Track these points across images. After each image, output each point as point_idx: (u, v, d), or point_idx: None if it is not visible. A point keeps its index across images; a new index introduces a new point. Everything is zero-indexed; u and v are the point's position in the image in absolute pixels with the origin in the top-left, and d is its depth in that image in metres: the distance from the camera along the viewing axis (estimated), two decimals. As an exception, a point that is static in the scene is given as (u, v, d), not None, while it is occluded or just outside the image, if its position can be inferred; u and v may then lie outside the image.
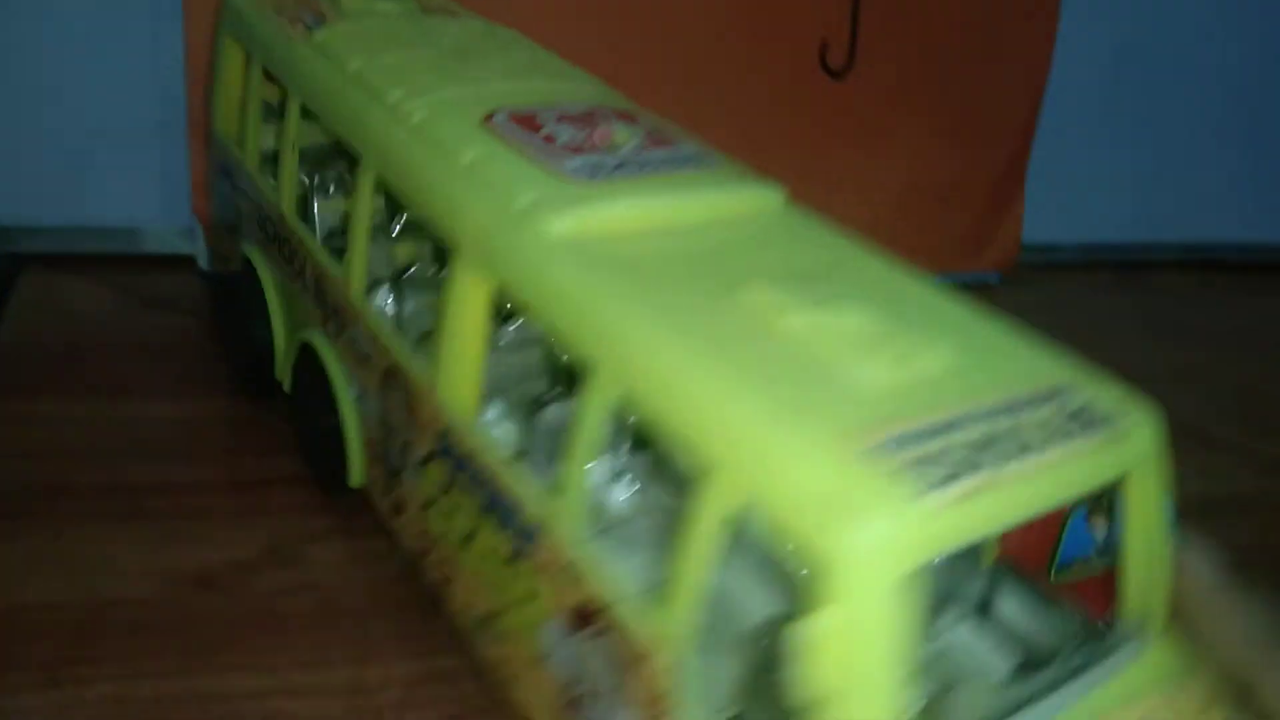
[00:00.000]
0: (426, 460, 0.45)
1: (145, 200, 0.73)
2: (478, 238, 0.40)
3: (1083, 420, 0.32)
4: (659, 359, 0.33)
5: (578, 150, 0.43)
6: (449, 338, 0.42)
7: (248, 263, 0.60)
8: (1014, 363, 0.34)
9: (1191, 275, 1.05)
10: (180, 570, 0.50)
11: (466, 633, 0.44)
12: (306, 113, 0.52)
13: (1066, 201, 0.92)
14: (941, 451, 0.29)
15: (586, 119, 0.46)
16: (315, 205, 0.55)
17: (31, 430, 0.57)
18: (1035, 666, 0.37)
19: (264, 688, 0.44)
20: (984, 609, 0.41)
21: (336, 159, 0.59)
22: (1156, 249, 1.02)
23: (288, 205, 0.55)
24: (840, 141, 0.76)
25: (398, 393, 0.46)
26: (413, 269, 0.53)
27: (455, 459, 0.42)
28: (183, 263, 0.74)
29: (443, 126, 0.44)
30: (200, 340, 0.66)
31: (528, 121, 0.45)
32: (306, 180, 0.56)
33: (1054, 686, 0.33)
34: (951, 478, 0.28)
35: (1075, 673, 0.34)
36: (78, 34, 0.67)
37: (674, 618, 0.32)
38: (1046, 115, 0.88)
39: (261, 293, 0.58)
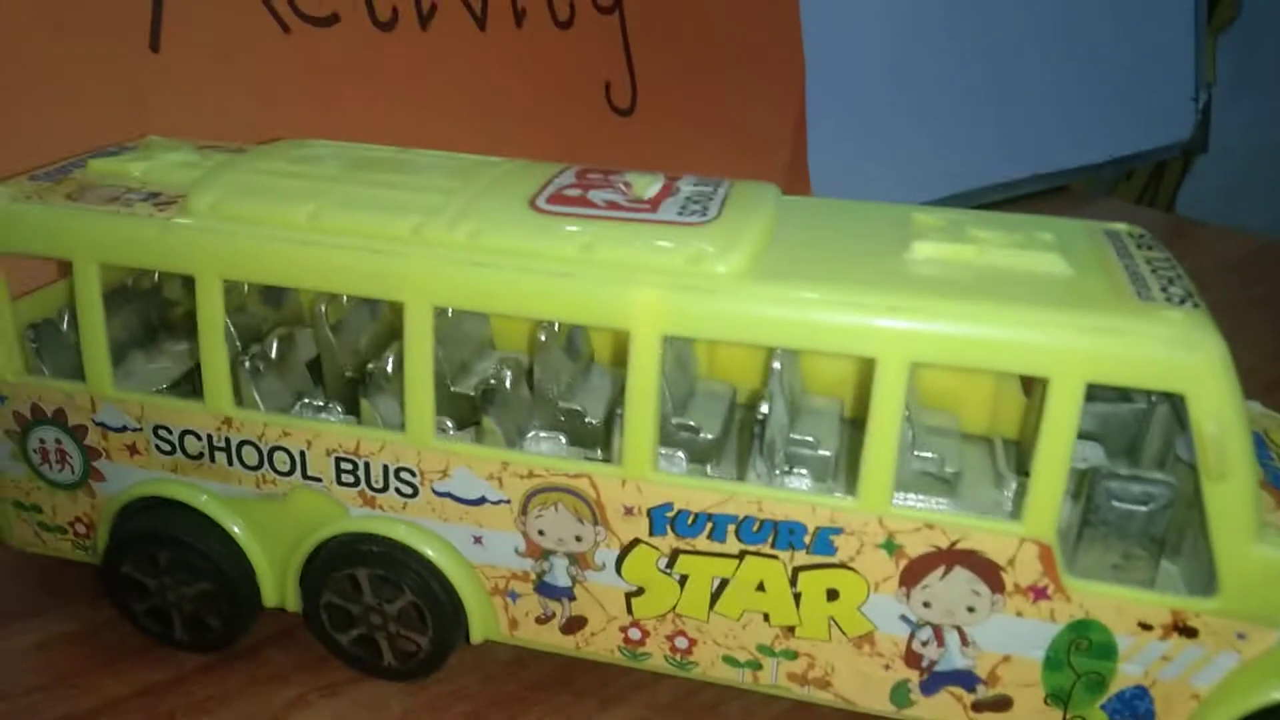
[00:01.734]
0: (627, 551, 0.44)
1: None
2: (658, 307, 0.40)
3: (1144, 242, 0.45)
4: (945, 318, 0.38)
5: (647, 205, 0.44)
6: (635, 415, 0.42)
7: (148, 506, 0.48)
8: (1077, 230, 0.46)
9: None
10: None
11: (724, 679, 0.45)
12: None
13: (848, 183, 1.01)
14: (1160, 289, 0.40)
15: (594, 182, 0.47)
16: (255, 390, 0.46)
17: None
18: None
19: None
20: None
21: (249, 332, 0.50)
22: (931, 206, 1.14)
23: (228, 403, 0.46)
24: (638, 168, 0.79)
25: (557, 509, 0.44)
26: (489, 383, 0.48)
27: (685, 525, 0.43)
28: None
29: (508, 231, 0.42)
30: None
31: (568, 200, 0.45)
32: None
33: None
34: (1189, 295, 0.40)
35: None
36: None
37: (1044, 512, 0.39)
38: (820, 112, 0.96)
39: (209, 524, 0.47)
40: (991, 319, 0.38)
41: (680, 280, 0.41)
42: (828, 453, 0.48)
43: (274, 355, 0.49)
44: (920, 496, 0.46)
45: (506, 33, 0.74)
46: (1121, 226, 0.47)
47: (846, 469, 0.49)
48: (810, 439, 0.48)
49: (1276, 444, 0.46)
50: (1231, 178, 1.76)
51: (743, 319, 0.40)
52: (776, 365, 0.47)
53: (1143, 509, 0.40)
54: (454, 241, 0.43)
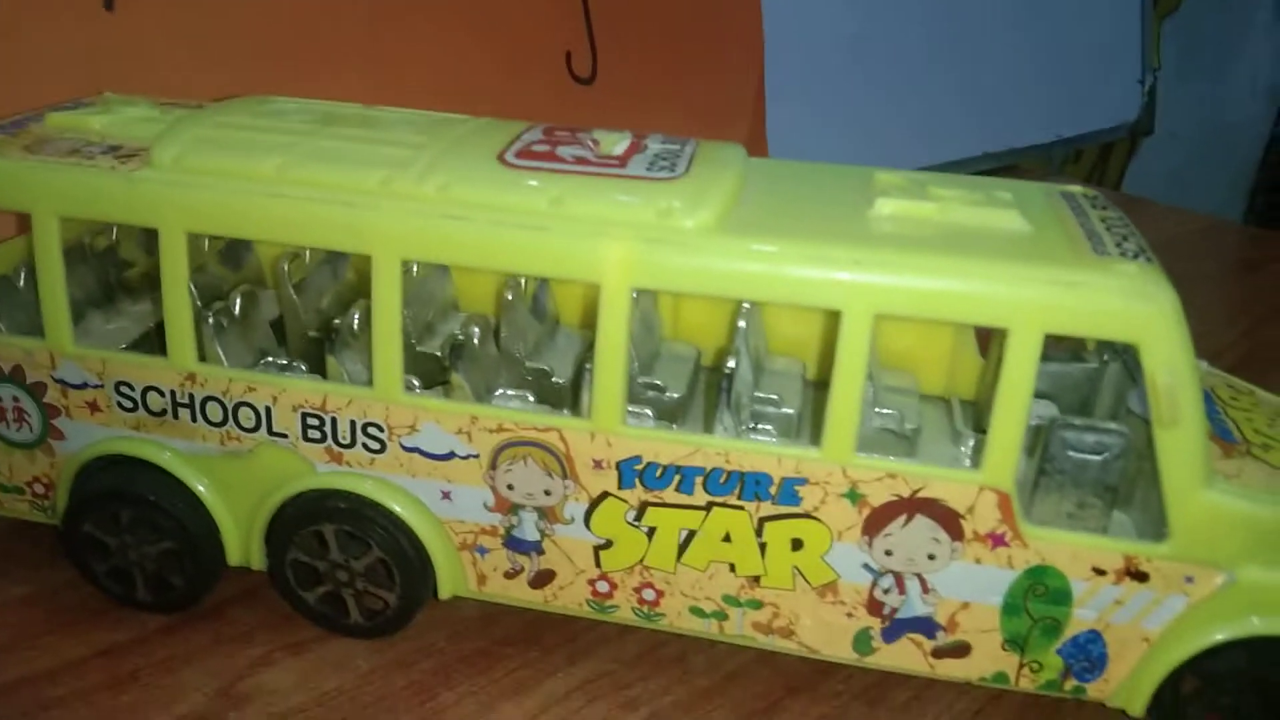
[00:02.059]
0: (595, 504, 0.44)
1: None
2: (627, 260, 0.40)
3: (1098, 203, 0.47)
4: (908, 271, 0.39)
5: (615, 161, 0.44)
6: (604, 368, 0.42)
7: (110, 464, 0.48)
8: (1035, 191, 0.47)
9: None
10: None
11: (691, 629, 0.46)
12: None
13: (805, 159, 1.02)
14: (1114, 244, 0.41)
15: (560, 138, 0.47)
16: (219, 346, 0.46)
17: None
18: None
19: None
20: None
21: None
22: None
23: (192, 359, 0.45)
24: None
25: (525, 463, 0.44)
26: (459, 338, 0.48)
27: (652, 478, 0.43)
28: None
29: (478, 185, 0.42)
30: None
31: (536, 154, 0.45)
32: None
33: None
34: (1142, 250, 0.41)
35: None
36: None
37: (1003, 462, 0.40)
38: (778, 87, 0.96)
39: (172, 481, 0.47)
40: (952, 271, 0.39)
41: (650, 234, 0.41)
42: (790, 410, 0.49)
43: (237, 312, 0.48)
44: (880, 454, 0.47)
45: None
46: (1076, 188, 0.49)
47: (809, 427, 0.50)
48: (774, 397, 0.49)
49: (1222, 400, 0.48)
50: (1176, 160, 1.81)
51: (711, 272, 0.41)
52: (742, 324, 0.48)
53: (1097, 458, 0.41)
54: (423, 195, 0.43)
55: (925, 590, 0.43)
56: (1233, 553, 0.40)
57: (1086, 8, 1.42)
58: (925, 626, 0.44)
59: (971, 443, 0.49)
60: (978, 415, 0.52)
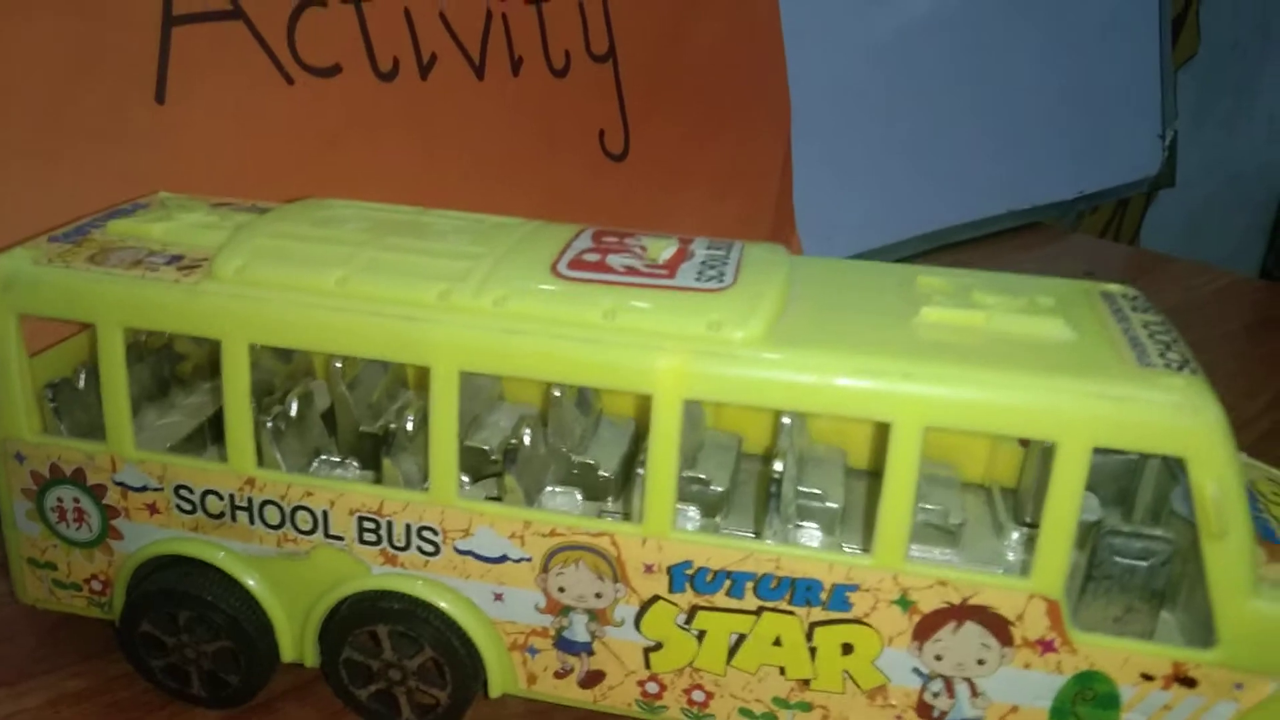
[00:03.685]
0: (645, 609, 0.45)
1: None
2: (679, 372, 0.41)
3: (1141, 306, 0.48)
4: (957, 384, 0.40)
5: (664, 270, 0.46)
6: (655, 476, 0.43)
7: (166, 564, 0.49)
8: (1071, 291, 0.48)
9: (941, 258, 1.18)
10: None
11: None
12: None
13: (831, 222, 1.04)
14: (1159, 354, 0.42)
15: (611, 246, 0.48)
16: (276, 451, 0.47)
17: None
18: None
19: None
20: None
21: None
22: (905, 244, 1.15)
23: (251, 463, 0.46)
24: (630, 213, 0.82)
25: (577, 567, 0.45)
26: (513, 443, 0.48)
27: (702, 583, 0.44)
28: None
29: (535, 298, 0.44)
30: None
31: (588, 265, 0.46)
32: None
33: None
34: (1185, 363, 0.42)
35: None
36: None
37: (1052, 569, 0.41)
38: (803, 152, 0.98)
39: (228, 582, 0.48)
40: (1002, 385, 0.40)
41: (701, 346, 0.42)
42: (835, 505, 0.50)
43: (294, 414, 0.49)
44: (925, 547, 0.48)
45: (504, 82, 0.76)
46: (1115, 288, 0.49)
47: (852, 520, 0.51)
48: (818, 491, 0.50)
49: (1265, 495, 0.49)
50: (1193, 209, 1.83)
51: (762, 384, 0.42)
52: (786, 421, 0.49)
53: (1144, 564, 0.42)
54: (480, 308, 0.44)
55: (974, 694, 0.44)
56: (1282, 660, 0.41)
57: (1108, 65, 1.44)
58: (975, 729, 0.44)
59: (1015, 535, 0.50)
60: (1018, 505, 0.53)
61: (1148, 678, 0.42)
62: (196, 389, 0.58)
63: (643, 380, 0.42)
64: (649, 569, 0.45)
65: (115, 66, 0.61)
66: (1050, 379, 0.40)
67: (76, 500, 0.49)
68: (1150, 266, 1.32)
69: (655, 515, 0.44)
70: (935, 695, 0.44)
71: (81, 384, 0.52)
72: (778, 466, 0.45)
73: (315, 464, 0.50)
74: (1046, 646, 0.42)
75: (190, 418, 0.56)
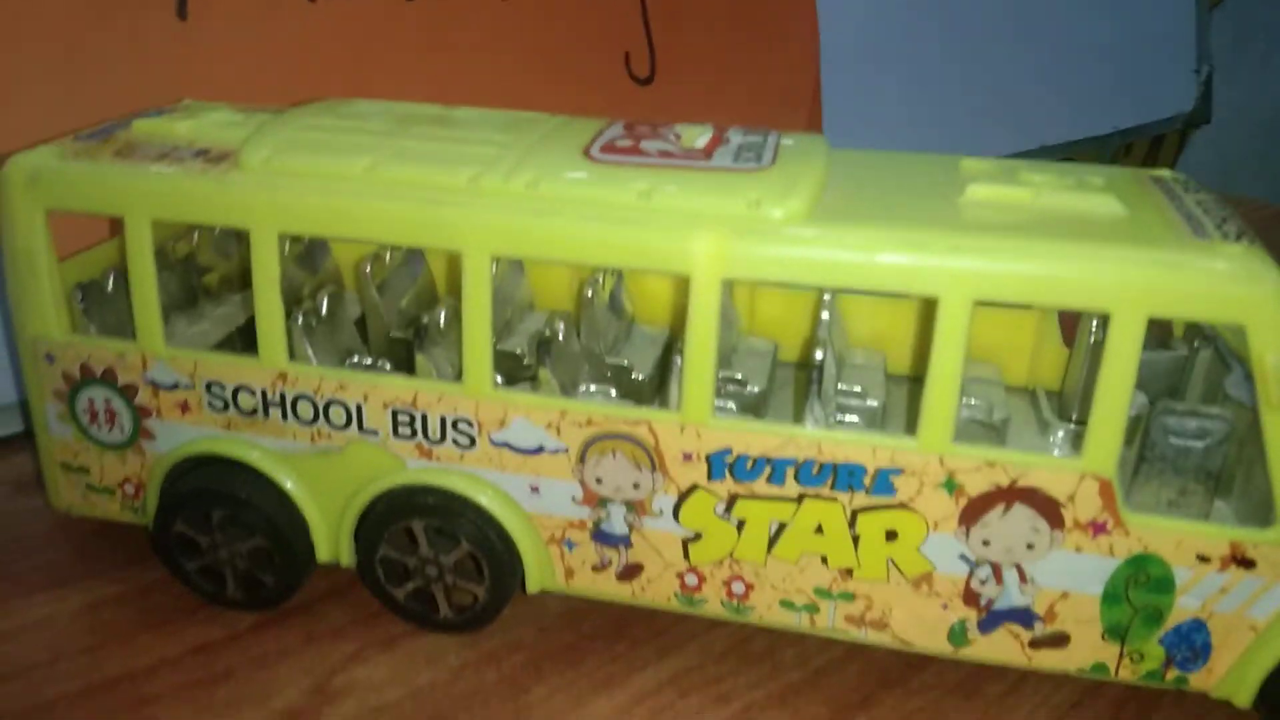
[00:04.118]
0: (684, 497, 0.44)
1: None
2: (719, 252, 0.40)
3: (1191, 186, 0.46)
4: (1019, 254, 0.39)
5: (700, 153, 0.44)
6: (694, 362, 0.42)
7: (200, 464, 0.48)
8: (1124, 175, 0.46)
9: None
10: None
11: (781, 623, 0.46)
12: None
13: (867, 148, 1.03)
14: (1215, 226, 0.41)
15: (644, 133, 0.47)
16: (308, 345, 0.47)
17: None
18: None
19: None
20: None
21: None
22: None
23: (282, 358, 0.46)
24: None
25: (614, 457, 0.44)
26: (545, 334, 0.48)
27: (742, 470, 0.43)
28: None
29: (565, 181, 0.42)
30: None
31: (621, 149, 0.45)
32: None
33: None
34: (1243, 232, 0.40)
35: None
36: None
37: (1104, 448, 0.40)
38: (833, 82, 0.96)
39: (262, 479, 0.47)
40: (1052, 256, 0.39)
41: (741, 225, 0.41)
42: (874, 403, 0.49)
43: (324, 312, 0.49)
44: (969, 444, 0.47)
45: (528, 1, 0.74)
46: (1165, 172, 0.48)
47: (893, 420, 0.50)
48: (858, 389, 0.49)
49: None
50: (1227, 149, 1.79)
51: (805, 262, 0.41)
52: (825, 315, 0.48)
53: (1199, 444, 0.41)
54: (512, 191, 0.43)
55: (1023, 580, 0.43)
56: (1345, 539, 0.40)
57: (1141, 2, 1.42)
58: (1023, 617, 0.43)
59: (1060, 433, 0.48)
60: (1063, 406, 0.51)
61: (1204, 559, 0.41)
62: (225, 300, 0.57)
63: (680, 260, 0.41)
64: (687, 457, 0.44)
65: None
66: (1103, 248, 0.39)
67: (108, 401, 0.49)
68: None
69: (694, 401, 0.43)
70: (983, 582, 0.43)
71: (110, 287, 0.51)
72: (818, 355, 0.44)
73: (348, 364, 0.49)
74: (1099, 529, 0.41)
75: (219, 326, 0.55)
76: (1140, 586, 0.42)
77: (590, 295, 0.51)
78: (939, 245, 0.39)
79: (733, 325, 0.54)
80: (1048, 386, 0.53)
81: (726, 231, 0.41)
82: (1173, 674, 0.43)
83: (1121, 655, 0.43)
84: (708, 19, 0.86)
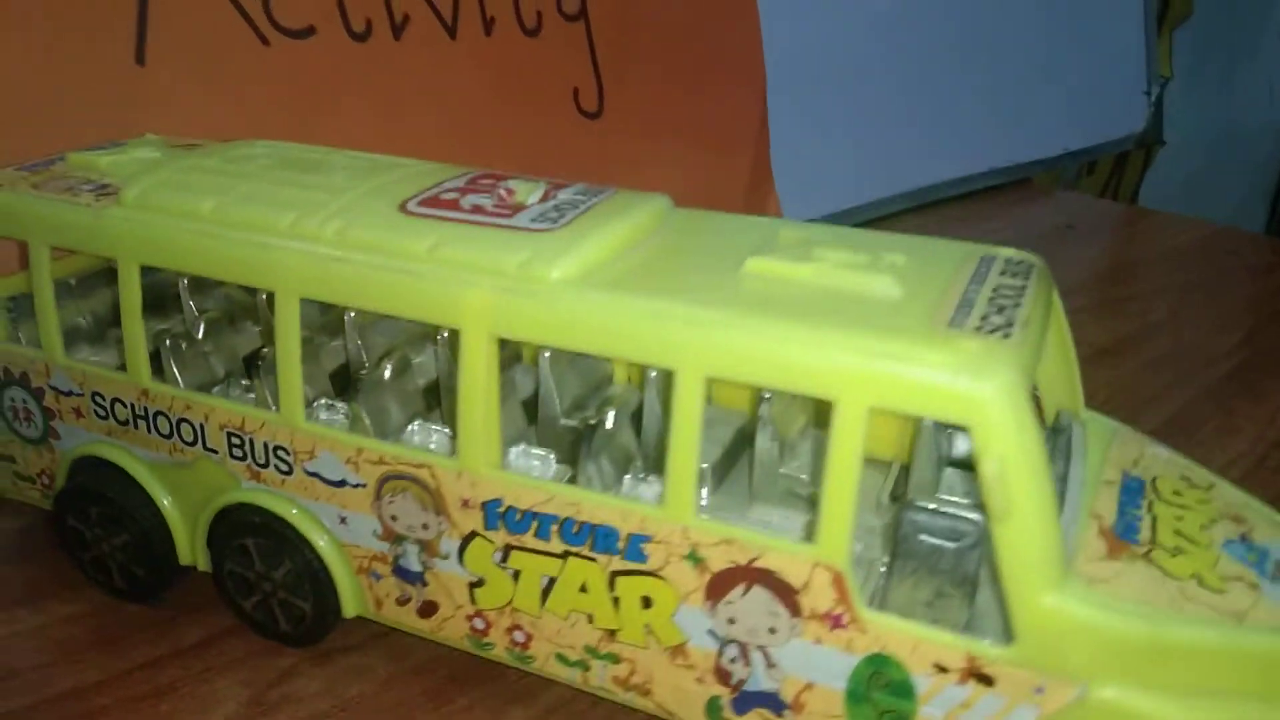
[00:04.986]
0: (467, 542, 0.46)
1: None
2: (487, 308, 0.42)
3: (1021, 271, 0.43)
4: (748, 333, 0.38)
5: (511, 210, 0.46)
6: (468, 411, 0.43)
7: (89, 464, 0.54)
8: (941, 252, 0.44)
9: (924, 216, 1.23)
10: None
11: (559, 676, 0.46)
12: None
13: (810, 180, 1.05)
14: (982, 316, 0.38)
15: (478, 186, 0.49)
16: (174, 365, 0.51)
17: None
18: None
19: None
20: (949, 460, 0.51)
21: (159, 312, 0.55)
22: (885, 203, 1.18)
23: (146, 375, 0.51)
24: (606, 170, 0.84)
25: (405, 496, 0.46)
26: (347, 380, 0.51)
27: (513, 522, 0.44)
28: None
29: (371, 229, 0.45)
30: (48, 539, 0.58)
31: (440, 203, 0.47)
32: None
33: (1064, 470, 0.44)
34: (1007, 326, 0.38)
35: (1065, 457, 0.45)
36: None
37: (836, 537, 0.38)
38: (781, 112, 0.99)
39: (131, 484, 0.53)
40: (782, 338, 0.38)
41: (510, 284, 0.42)
42: (704, 464, 0.48)
43: (199, 336, 0.53)
44: (786, 513, 0.46)
45: (476, 41, 0.77)
46: (1010, 253, 0.45)
47: (727, 482, 0.49)
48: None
49: (1159, 494, 0.43)
50: (1192, 169, 1.78)
51: (562, 324, 0.41)
52: (651, 374, 0.48)
53: (951, 545, 0.38)
54: (323, 237, 0.46)
55: (770, 664, 0.41)
56: (1086, 666, 0.36)
57: (1091, 23, 1.42)
58: (772, 703, 0.42)
59: (888, 508, 0.47)
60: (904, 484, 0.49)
61: (942, 669, 0.38)
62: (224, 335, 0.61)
63: (452, 314, 0.43)
64: (465, 503, 0.45)
65: (95, 29, 0.65)
66: (829, 333, 0.37)
67: (24, 401, 0.55)
68: (1132, 219, 1.35)
69: (469, 451, 0.44)
70: (732, 661, 0.42)
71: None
72: (608, 418, 0.45)
73: (218, 388, 0.53)
74: (835, 622, 0.39)
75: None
76: (881, 688, 0.39)
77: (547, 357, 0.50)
78: (677, 318, 0.39)
79: (595, 376, 0.54)
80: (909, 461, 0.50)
81: (497, 289, 0.42)
82: (926, 786, 0.40)
83: (873, 758, 0.41)
84: (654, 55, 0.87)
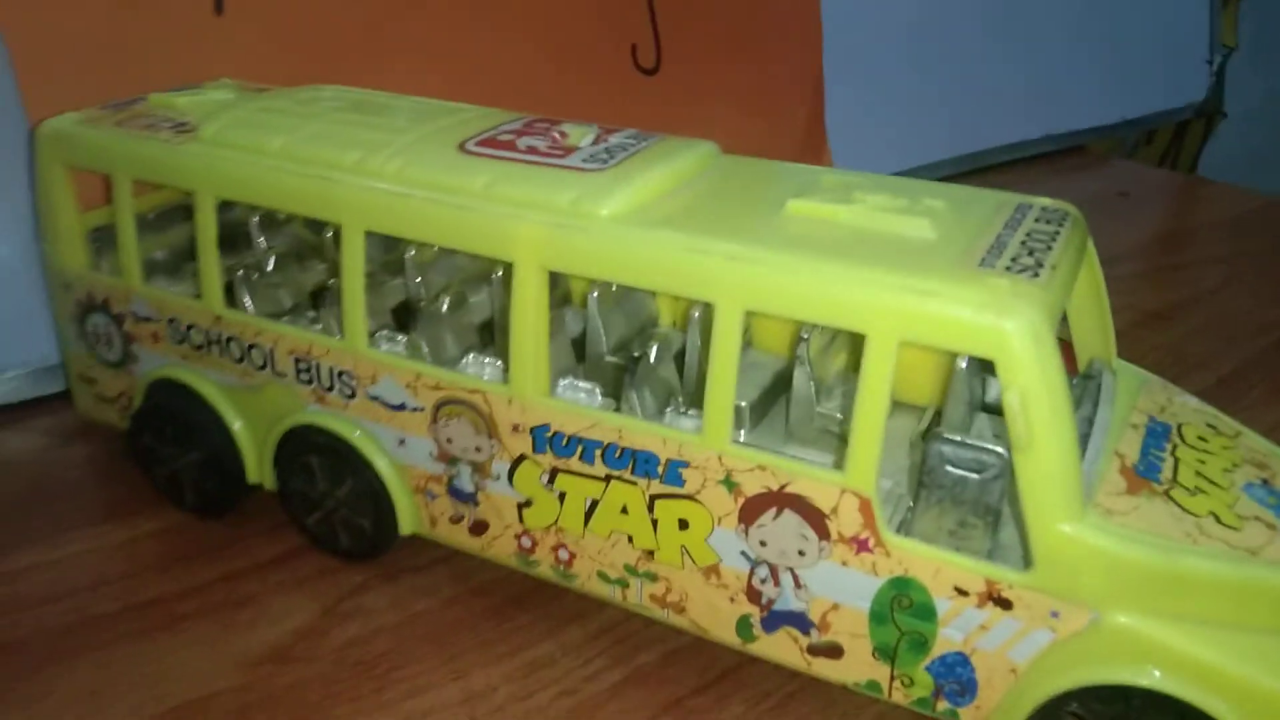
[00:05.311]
0: (516, 465, 0.48)
1: (33, 344, 0.68)
2: (538, 242, 0.44)
3: (1055, 219, 0.45)
4: (784, 268, 0.40)
5: (564, 151, 0.48)
6: (519, 341, 0.46)
7: (164, 386, 0.58)
8: (980, 199, 0.46)
9: (976, 180, 1.22)
10: (251, 654, 0.50)
11: (599, 594, 0.49)
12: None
13: (864, 142, 1.06)
14: (1012, 258, 0.40)
15: (534, 130, 0.51)
16: (248, 295, 0.55)
17: (17, 584, 0.54)
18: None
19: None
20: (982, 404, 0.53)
21: (236, 246, 0.59)
22: (937, 166, 1.18)
23: (219, 304, 0.54)
24: (662, 126, 0.84)
25: (459, 420, 0.49)
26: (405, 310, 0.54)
27: (560, 446, 0.47)
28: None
29: (431, 168, 0.48)
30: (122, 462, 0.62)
31: (497, 144, 0.49)
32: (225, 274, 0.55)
33: (1093, 413, 0.46)
34: (1036, 267, 0.39)
35: (1094, 402, 0.46)
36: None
37: (863, 463, 0.40)
38: (837, 72, 1.00)
39: (204, 406, 0.56)
40: (816, 273, 0.40)
41: (561, 219, 0.44)
42: (742, 403, 0.50)
43: (270, 269, 0.56)
44: (821, 453, 0.48)
45: None
46: (1046, 201, 0.46)
47: (766, 420, 0.51)
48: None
49: (1183, 439, 0.44)
50: (1254, 141, 1.70)
51: (610, 258, 0.44)
52: (694, 314, 0.50)
53: (975, 476, 0.40)
54: (385, 173, 0.48)
55: (798, 585, 0.44)
56: (1099, 593, 0.38)
57: None
58: (800, 622, 0.44)
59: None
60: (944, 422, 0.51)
61: (962, 592, 0.40)
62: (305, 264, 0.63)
63: (506, 248, 0.45)
64: (515, 428, 0.48)
65: None
66: (864, 270, 0.39)
67: (106, 326, 0.59)
68: (1189, 189, 1.32)
69: (520, 377, 0.47)
70: (763, 581, 0.44)
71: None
72: (651, 350, 0.47)
73: (287, 317, 0.56)
74: (861, 545, 0.41)
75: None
76: (904, 610, 0.42)
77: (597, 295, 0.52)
78: (718, 253, 0.41)
79: (641, 314, 0.56)
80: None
81: (546, 224, 0.44)
82: (942, 705, 0.42)
83: (893, 677, 0.43)
84: (713, 13, 0.88)
